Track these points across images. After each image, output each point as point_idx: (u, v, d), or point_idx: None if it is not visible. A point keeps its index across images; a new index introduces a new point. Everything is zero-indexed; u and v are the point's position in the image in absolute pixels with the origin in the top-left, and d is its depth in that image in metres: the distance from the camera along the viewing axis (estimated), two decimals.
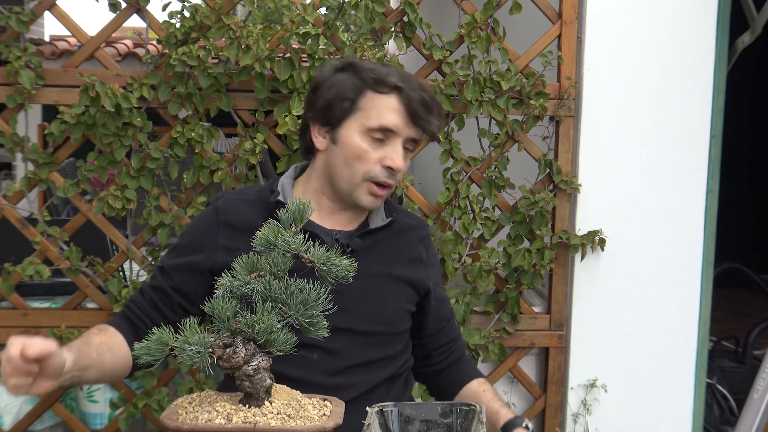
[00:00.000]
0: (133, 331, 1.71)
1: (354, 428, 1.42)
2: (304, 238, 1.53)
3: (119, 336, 1.69)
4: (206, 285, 1.67)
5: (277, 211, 1.60)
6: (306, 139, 1.77)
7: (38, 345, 1.35)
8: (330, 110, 1.70)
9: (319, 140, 1.74)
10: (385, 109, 1.69)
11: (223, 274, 1.39)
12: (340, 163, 1.70)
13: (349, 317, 1.66)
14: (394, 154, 1.69)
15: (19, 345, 1.35)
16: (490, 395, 1.87)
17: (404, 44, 2.53)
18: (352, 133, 1.69)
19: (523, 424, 1.78)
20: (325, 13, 2.49)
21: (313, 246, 1.53)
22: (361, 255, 1.68)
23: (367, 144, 1.68)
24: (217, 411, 1.18)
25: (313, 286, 1.21)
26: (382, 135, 1.68)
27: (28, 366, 1.35)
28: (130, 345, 1.66)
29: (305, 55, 2.47)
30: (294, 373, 1.60)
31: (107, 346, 1.63)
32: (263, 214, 1.67)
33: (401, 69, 1.96)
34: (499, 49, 2.54)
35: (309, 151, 1.78)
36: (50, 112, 3.94)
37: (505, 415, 1.82)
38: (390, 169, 1.69)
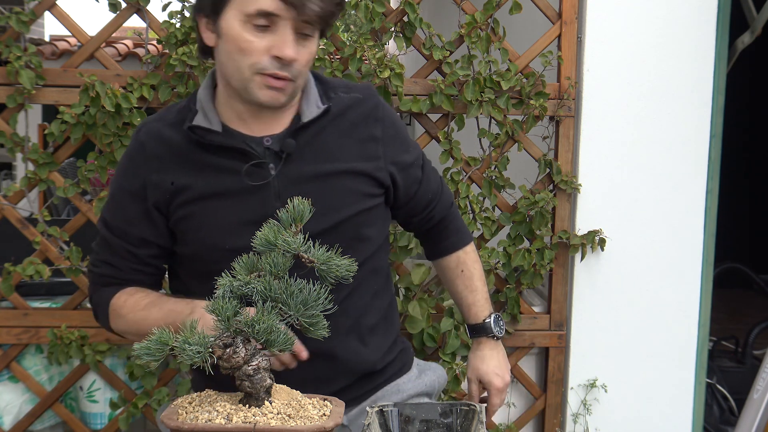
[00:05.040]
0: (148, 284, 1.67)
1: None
2: (236, 156, 1.54)
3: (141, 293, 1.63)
4: (164, 225, 1.60)
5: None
6: (199, 36, 1.58)
7: None
8: None
9: (207, 35, 1.54)
10: None
11: (159, 210, 1.55)
12: (226, 58, 1.51)
13: (311, 223, 1.36)
14: (283, 42, 1.47)
15: None
16: (466, 282, 1.84)
17: (404, 44, 2.53)
18: (232, 22, 1.48)
19: (492, 334, 1.83)
20: None
21: (244, 164, 1.52)
22: (300, 156, 1.56)
23: (249, 33, 1.47)
24: (217, 411, 1.18)
25: (313, 284, 1.21)
26: (266, 21, 1.47)
27: None
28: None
29: None
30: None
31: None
32: (184, 138, 1.57)
33: None
34: (499, 49, 2.54)
35: (204, 52, 1.59)
36: (50, 112, 3.94)
37: (475, 315, 1.84)
38: (280, 59, 1.48)
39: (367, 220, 1.63)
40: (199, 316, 1.35)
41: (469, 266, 1.85)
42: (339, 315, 1.43)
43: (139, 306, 1.59)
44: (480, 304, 1.85)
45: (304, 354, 1.45)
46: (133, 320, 1.59)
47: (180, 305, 1.54)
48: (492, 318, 1.84)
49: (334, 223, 1.57)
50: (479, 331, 1.85)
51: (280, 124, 1.58)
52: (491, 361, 1.85)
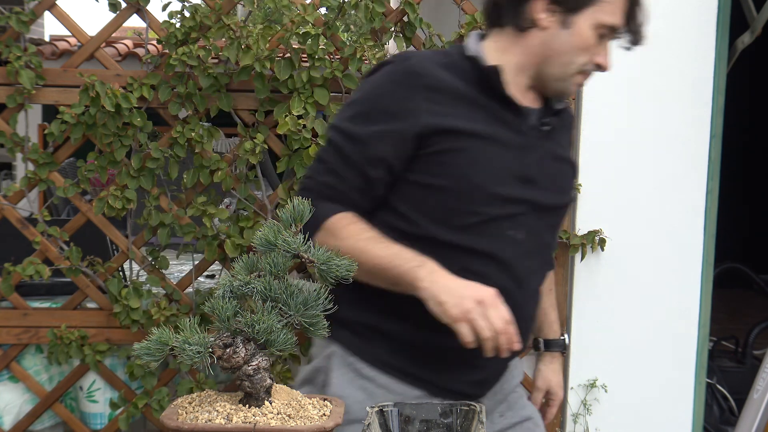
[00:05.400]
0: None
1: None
2: (513, 113, 1.64)
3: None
4: (409, 153, 1.59)
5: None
6: (521, 9, 1.63)
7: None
8: None
9: (544, 18, 1.61)
10: (619, 7, 1.62)
11: (432, 139, 1.56)
12: (564, 50, 1.62)
13: (549, 195, 1.68)
14: (607, 54, 1.65)
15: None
16: (551, 300, 2.02)
17: (404, 44, 2.52)
18: (585, 23, 1.60)
19: (564, 350, 2.01)
20: (325, 13, 2.49)
21: (521, 123, 1.65)
22: (551, 136, 1.70)
23: (593, 39, 1.62)
24: (217, 411, 1.18)
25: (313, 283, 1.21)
26: (606, 33, 1.63)
27: None
28: None
29: (305, 55, 2.46)
30: (505, 254, 1.62)
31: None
32: (468, 79, 1.62)
33: None
34: None
35: (510, 21, 1.64)
36: (50, 112, 3.94)
37: (555, 331, 2.02)
38: (599, 67, 1.66)
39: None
40: (429, 272, 1.35)
41: (554, 286, 2.04)
42: (536, 307, 1.78)
43: (361, 236, 1.58)
44: (558, 322, 2.03)
45: (517, 345, 1.53)
46: (353, 247, 1.55)
47: (409, 253, 1.54)
48: (565, 335, 2.03)
49: (563, 204, 1.77)
50: (556, 345, 2.01)
51: (536, 103, 1.70)
52: (560, 375, 2.03)
